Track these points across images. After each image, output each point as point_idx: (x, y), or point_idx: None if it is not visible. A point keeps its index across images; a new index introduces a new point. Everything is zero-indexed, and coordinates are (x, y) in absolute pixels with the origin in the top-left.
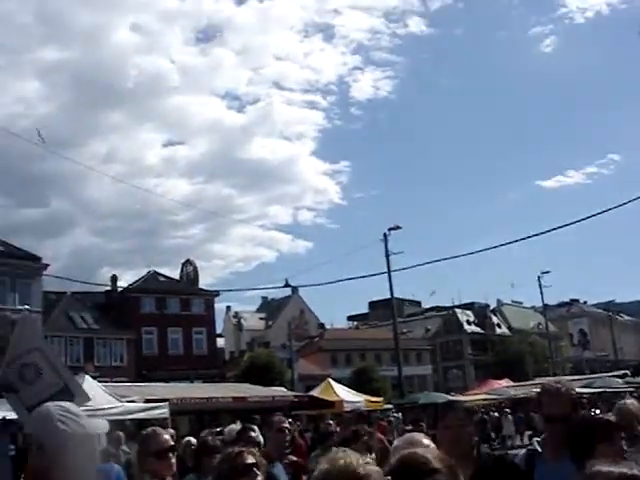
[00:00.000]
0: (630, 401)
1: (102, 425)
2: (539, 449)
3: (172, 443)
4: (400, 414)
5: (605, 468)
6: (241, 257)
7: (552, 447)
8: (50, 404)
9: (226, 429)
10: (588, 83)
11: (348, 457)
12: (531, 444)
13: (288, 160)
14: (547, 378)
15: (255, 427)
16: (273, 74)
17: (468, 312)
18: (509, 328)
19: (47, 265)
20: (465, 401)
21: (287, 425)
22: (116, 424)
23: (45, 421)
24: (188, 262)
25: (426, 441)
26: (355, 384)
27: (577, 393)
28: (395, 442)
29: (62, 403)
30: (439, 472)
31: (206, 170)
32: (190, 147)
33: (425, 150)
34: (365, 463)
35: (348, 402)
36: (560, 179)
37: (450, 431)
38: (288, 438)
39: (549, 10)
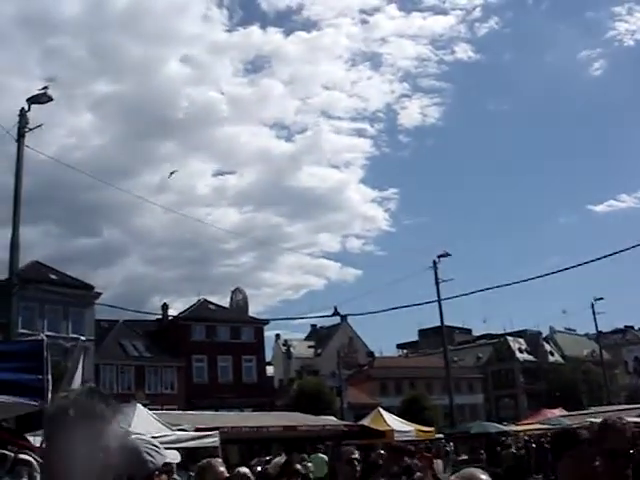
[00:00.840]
0: None
1: (174, 455)
2: None
3: (227, 475)
4: (452, 444)
5: None
6: (290, 285)
7: None
8: (134, 437)
9: (272, 462)
10: (636, 105)
11: None
12: None
13: (336, 188)
14: (602, 407)
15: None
16: (321, 103)
17: (520, 340)
18: (562, 356)
19: (100, 294)
20: (519, 431)
21: (357, 456)
22: None
23: (134, 454)
24: (238, 290)
25: (484, 477)
26: (405, 413)
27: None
28: (452, 478)
29: (143, 436)
30: None
31: (255, 199)
32: (239, 176)
33: (473, 176)
34: None
35: (399, 432)
36: (612, 203)
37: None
38: (358, 469)
39: (598, 33)
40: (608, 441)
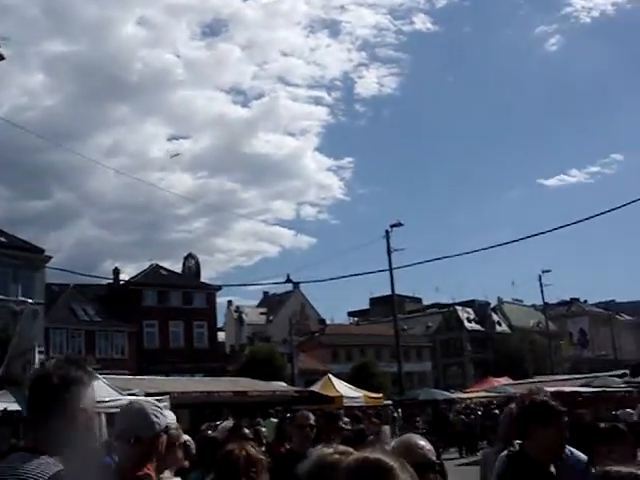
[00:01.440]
0: None
1: (172, 417)
2: (521, 452)
3: (184, 438)
4: (400, 410)
5: (615, 468)
6: (243, 252)
7: (535, 452)
8: (140, 399)
9: (219, 427)
10: (592, 83)
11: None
12: (514, 446)
13: (292, 155)
14: (547, 376)
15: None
16: (278, 69)
17: (469, 309)
18: (509, 326)
19: (50, 257)
20: (465, 398)
21: (312, 422)
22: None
23: (141, 415)
24: (190, 256)
25: (422, 442)
26: (355, 380)
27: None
28: (392, 443)
29: (148, 398)
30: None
31: (210, 164)
32: (194, 141)
33: (428, 148)
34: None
35: (348, 398)
36: (563, 178)
37: None
38: (313, 434)
39: (554, 9)
40: (532, 414)
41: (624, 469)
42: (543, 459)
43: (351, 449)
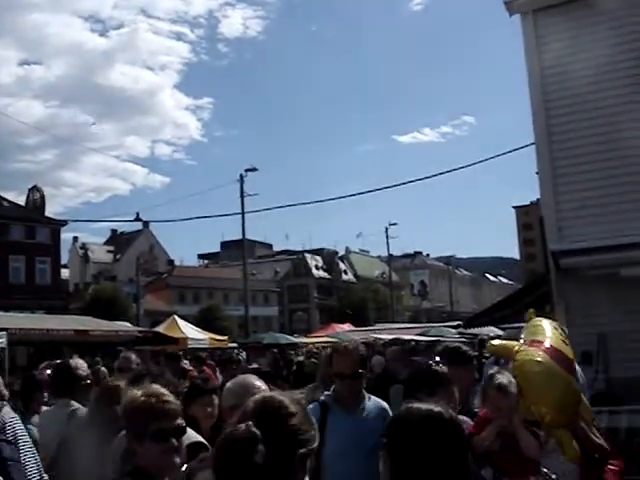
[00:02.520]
0: None
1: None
2: (331, 400)
3: None
4: (244, 353)
5: (416, 405)
6: (93, 187)
7: (343, 400)
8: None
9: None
10: (451, 44)
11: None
12: (323, 395)
13: (150, 91)
14: (387, 325)
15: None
16: (141, 0)
17: (317, 257)
18: (355, 275)
19: None
20: (308, 343)
21: (134, 365)
22: None
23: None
24: (35, 188)
25: (258, 383)
26: (201, 322)
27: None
28: (228, 384)
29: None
30: (296, 414)
31: (62, 93)
32: (47, 68)
33: (288, 95)
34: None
35: (193, 339)
36: (416, 135)
37: None
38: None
39: None
40: (335, 364)
41: (424, 406)
42: (347, 407)
43: (162, 391)
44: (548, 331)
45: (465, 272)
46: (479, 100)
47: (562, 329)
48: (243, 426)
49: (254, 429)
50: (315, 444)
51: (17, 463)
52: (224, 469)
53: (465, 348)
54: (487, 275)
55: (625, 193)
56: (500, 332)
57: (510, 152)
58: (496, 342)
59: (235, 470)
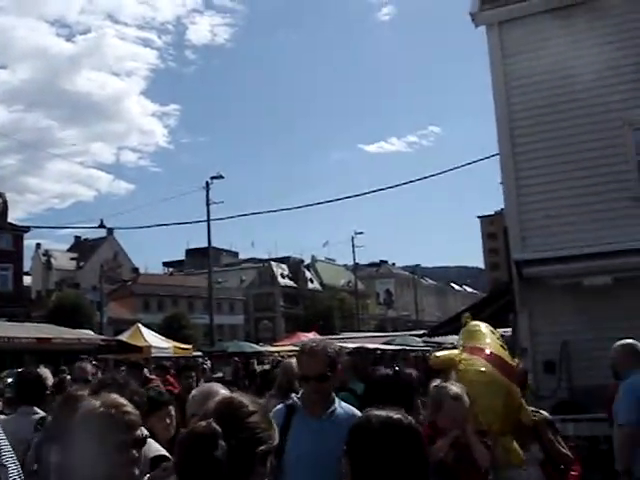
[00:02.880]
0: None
1: None
2: (298, 403)
3: None
4: (209, 362)
5: (375, 412)
6: (57, 193)
7: (309, 404)
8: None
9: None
10: (419, 56)
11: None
12: (291, 399)
13: (116, 97)
14: (352, 333)
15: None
16: (108, 5)
17: (283, 266)
18: (321, 284)
19: None
20: (273, 351)
21: (89, 376)
22: None
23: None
24: None
25: (223, 391)
26: (166, 330)
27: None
28: (193, 392)
29: None
30: (255, 413)
31: (27, 98)
32: (12, 72)
33: (255, 103)
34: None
35: (157, 348)
36: (382, 145)
37: None
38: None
39: None
40: (301, 366)
41: (384, 412)
42: (313, 411)
43: (121, 401)
44: (487, 337)
45: (430, 281)
46: (446, 110)
47: (498, 333)
48: (204, 423)
49: (214, 425)
50: (274, 442)
51: (2, 467)
52: (186, 464)
53: None
54: (452, 284)
55: (588, 204)
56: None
57: (475, 162)
58: (439, 354)
59: (196, 465)
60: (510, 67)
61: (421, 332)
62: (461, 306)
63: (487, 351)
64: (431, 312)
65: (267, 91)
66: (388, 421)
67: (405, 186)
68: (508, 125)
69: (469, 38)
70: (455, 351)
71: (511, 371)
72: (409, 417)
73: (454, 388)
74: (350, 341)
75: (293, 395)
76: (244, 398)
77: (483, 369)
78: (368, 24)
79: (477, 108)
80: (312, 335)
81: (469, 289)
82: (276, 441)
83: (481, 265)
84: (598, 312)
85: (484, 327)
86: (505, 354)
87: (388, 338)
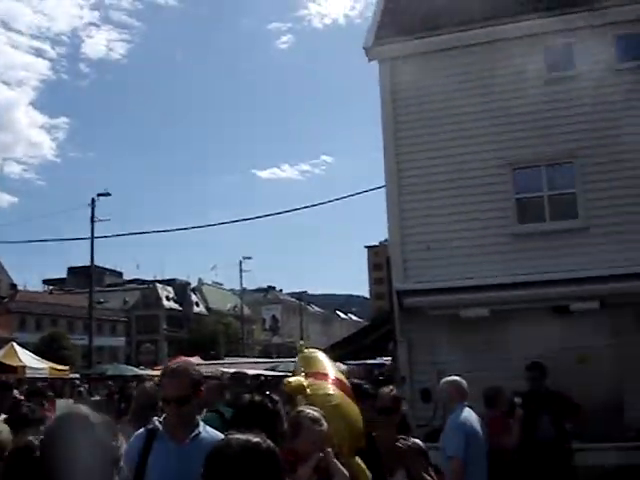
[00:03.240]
0: None
1: None
2: (159, 428)
3: None
4: (87, 384)
5: (236, 436)
6: None
7: (171, 428)
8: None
9: None
10: (313, 86)
11: None
12: (152, 422)
13: (3, 106)
14: (236, 358)
15: None
16: (1, 12)
17: (168, 288)
18: (207, 308)
19: None
20: (154, 375)
21: None
22: None
23: None
24: None
25: (85, 410)
26: (43, 350)
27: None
28: (57, 414)
29: None
30: (97, 425)
31: None
32: None
33: (148, 121)
34: None
35: (32, 368)
36: (275, 172)
37: None
38: None
39: (291, 8)
40: (163, 387)
41: (242, 436)
42: (175, 434)
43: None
44: (326, 363)
45: (317, 308)
46: (338, 141)
47: (332, 361)
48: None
49: (31, 439)
50: (119, 453)
51: None
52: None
53: (366, 386)
54: (338, 312)
55: (468, 238)
56: (344, 367)
57: (364, 192)
58: (291, 379)
59: (12, 475)
60: (399, 102)
61: None
62: (346, 334)
63: (331, 376)
64: (316, 339)
65: (161, 109)
66: (247, 445)
67: (295, 213)
68: (395, 159)
69: (363, 71)
70: (300, 378)
71: (352, 393)
72: (268, 441)
73: (312, 412)
74: (234, 366)
75: (155, 419)
76: (90, 411)
77: (331, 392)
78: (266, 51)
79: (369, 140)
80: (194, 360)
81: (355, 317)
82: (120, 452)
83: (367, 294)
84: (472, 343)
85: (320, 354)
86: (343, 377)
87: (273, 364)
